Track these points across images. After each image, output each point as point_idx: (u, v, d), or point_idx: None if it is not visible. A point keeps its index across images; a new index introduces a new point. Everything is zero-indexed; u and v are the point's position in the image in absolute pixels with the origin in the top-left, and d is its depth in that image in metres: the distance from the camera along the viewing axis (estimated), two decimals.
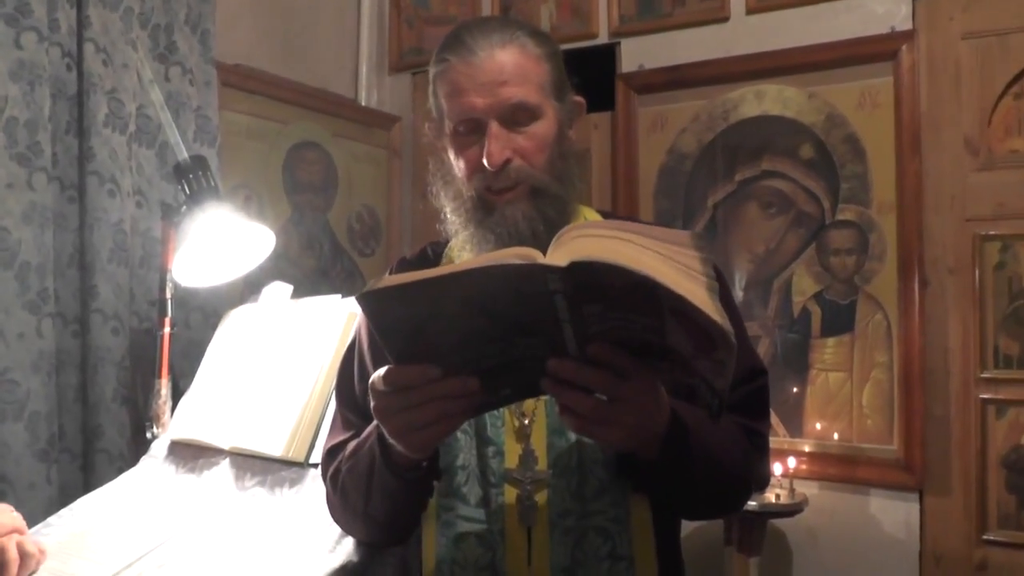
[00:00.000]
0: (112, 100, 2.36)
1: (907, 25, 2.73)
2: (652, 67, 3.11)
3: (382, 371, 1.09)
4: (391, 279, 0.99)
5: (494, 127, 1.33)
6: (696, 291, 0.95)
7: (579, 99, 1.46)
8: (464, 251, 1.41)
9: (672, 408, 1.17)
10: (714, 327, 0.94)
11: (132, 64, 2.43)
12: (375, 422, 1.21)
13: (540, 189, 1.36)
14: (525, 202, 1.35)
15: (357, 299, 1.00)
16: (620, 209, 3.07)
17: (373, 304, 1.01)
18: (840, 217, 2.80)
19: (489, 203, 1.37)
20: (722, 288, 1.04)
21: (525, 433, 1.33)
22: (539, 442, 1.32)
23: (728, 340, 0.95)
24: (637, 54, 3.15)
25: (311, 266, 3.17)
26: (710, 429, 1.20)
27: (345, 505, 1.40)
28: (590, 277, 0.95)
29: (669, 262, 0.98)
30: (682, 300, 0.93)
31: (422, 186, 3.46)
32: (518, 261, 0.95)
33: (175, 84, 2.57)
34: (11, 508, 1.59)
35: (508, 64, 1.33)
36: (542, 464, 1.32)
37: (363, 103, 3.56)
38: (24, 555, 1.53)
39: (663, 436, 1.17)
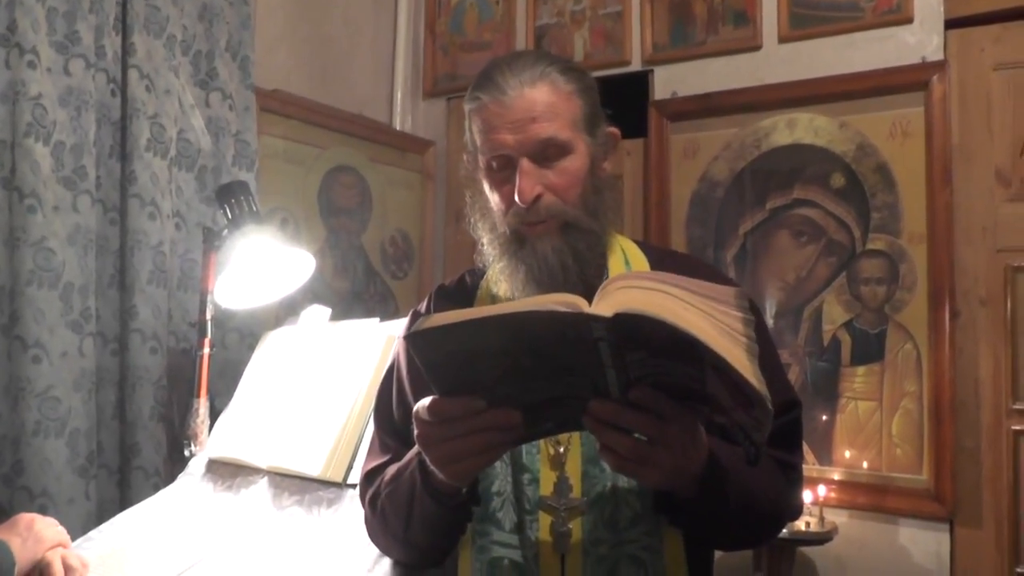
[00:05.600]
0: (154, 125, 2.42)
1: (938, 56, 2.74)
2: (685, 95, 3.14)
3: (427, 401, 1.11)
4: (438, 318, 1.02)
5: (525, 164, 1.35)
6: (736, 353, 0.97)
7: (613, 130, 1.47)
8: (499, 283, 1.43)
9: (710, 449, 1.19)
10: (753, 392, 0.97)
11: (174, 90, 2.49)
12: (416, 448, 1.23)
13: (571, 224, 1.38)
14: (555, 236, 1.37)
15: (405, 339, 1.02)
16: (652, 236, 3.10)
17: (421, 343, 1.03)
18: (871, 246, 2.81)
19: (521, 236, 1.39)
20: (759, 325, 1.05)
21: (560, 461, 1.34)
22: (574, 470, 1.34)
23: (765, 405, 0.97)
24: (670, 82, 3.18)
25: (345, 288, 3.21)
26: (747, 469, 1.21)
27: (385, 528, 1.43)
28: (634, 328, 0.97)
29: (711, 320, 1.01)
30: (723, 362, 0.95)
31: (455, 210, 3.50)
32: (564, 309, 0.98)
33: (215, 109, 2.63)
34: (56, 522, 1.64)
35: (538, 102, 1.35)
36: (577, 492, 1.33)
37: (398, 128, 3.61)
38: (68, 569, 1.57)
39: (700, 477, 1.19)
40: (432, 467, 1.18)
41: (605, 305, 0.99)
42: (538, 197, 1.36)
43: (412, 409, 1.16)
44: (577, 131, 1.39)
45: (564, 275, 1.35)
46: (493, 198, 1.42)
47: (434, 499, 1.27)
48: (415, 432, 1.16)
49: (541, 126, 1.34)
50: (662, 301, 1.00)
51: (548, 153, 1.36)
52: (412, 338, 1.02)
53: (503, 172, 1.38)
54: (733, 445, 1.15)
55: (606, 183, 1.46)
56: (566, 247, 1.37)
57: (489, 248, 1.44)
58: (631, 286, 1.03)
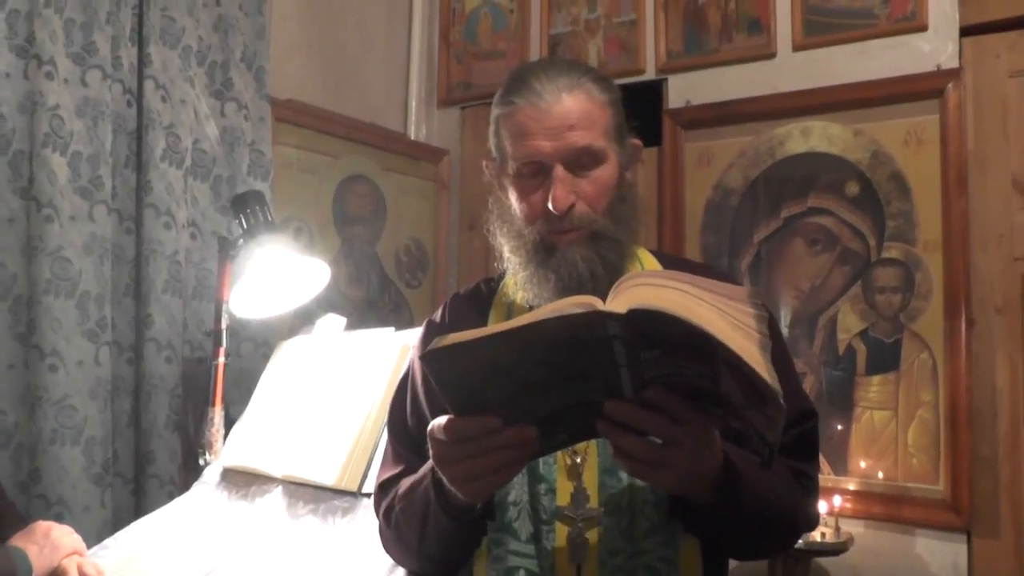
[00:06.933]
0: (170, 135, 2.44)
1: (954, 63, 2.73)
2: (699, 103, 3.13)
3: (442, 421, 1.11)
4: (452, 337, 1.01)
5: (560, 171, 1.34)
6: (749, 348, 0.97)
7: (637, 142, 1.48)
8: (523, 290, 1.42)
9: (725, 453, 1.18)
10: (765, 387, 0.96)
11: (189, 100, 2.51)
12: (430, 462, 1.23)
13: (599, 233, 1.37)
14: (585, 245, 1.36)
15: (421, 359, 1.01)
16: (666, 244, 3.09)
17: (437, 362, 1.02)
18: (886, 255, 2.79)
19: (550, 245, 1.38)
20: (774, 335, 1.05)
21: (577, 471, 1.34)
22: (591, 480, 1.34)
23: (777, 400, 0.96)
24: (684, 90, 3.17)
25: (359, 297, 3.22)
26: (762, 475, 1.21)
27: (399, 541, 1.43)
28: (648, 325, 0.97)
29: (724, 316, 1.00)
30: (735, 356, 0.94)
31: (469, 219, 3.50)
32: (579, 310, 0.98)
33: (230, 119, 2.65)
34: (72, 530, 1.65)
35: (575, 109, 1.34)
36: (593, 502, 1.33)
37: (412, 137, 3.61)
38: None
39: (715, 481, 1.18)
40: (448, 485, 1.18)
41: (619, 302, 0.99)
42: (571, 206, 1.35)
43: (426, 419, 1.15)
44: (609, 141, 1.39)
45: (594, 284, 1.33)
46: (521, 205, 1.40)
47: (448, 515, 1.27)
48: (430, 451, 1.16)
49: (579, 134, 1.34)
50: (675, 297, 1.00)
51: (583, 161, 1.36)
52: (427, 358, 1.01)
53: (534, 179, 1.37)
54: (749, 452, 1.15)
55: (630, 193, 1.46)
56: (596, 256, 1.36)
57: (512, 255, 1.43)
58: (644, 284, 1.03)
